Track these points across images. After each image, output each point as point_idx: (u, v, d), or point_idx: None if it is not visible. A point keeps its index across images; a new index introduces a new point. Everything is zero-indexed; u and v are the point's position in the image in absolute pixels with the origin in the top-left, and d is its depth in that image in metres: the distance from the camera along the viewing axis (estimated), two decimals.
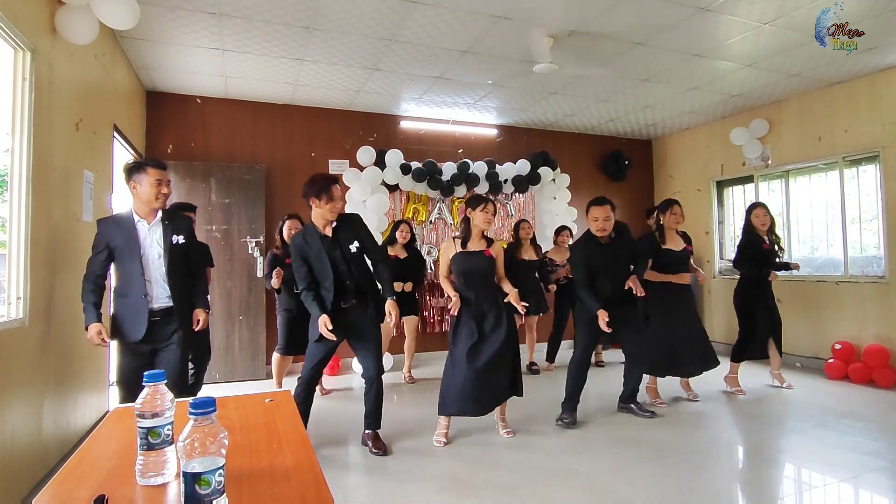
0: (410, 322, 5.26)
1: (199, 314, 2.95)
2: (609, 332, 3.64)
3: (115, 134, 4.27)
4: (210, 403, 0.97)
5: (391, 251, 5.12)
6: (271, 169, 5.78)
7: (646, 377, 4.33)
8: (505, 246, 5.93)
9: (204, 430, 0.95)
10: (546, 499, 2.68)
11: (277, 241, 4.63)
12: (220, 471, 0.95)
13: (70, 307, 3.25)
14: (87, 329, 2.69)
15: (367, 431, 3.39)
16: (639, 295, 3.73)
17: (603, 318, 3.59)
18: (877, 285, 5.14)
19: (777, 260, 4.64)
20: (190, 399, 1.02)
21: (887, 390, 4.70)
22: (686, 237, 4.43)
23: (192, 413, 0.96)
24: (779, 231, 6.13)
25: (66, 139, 3.20)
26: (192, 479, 0.93)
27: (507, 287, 3.54)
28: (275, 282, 4.29)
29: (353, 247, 3.25)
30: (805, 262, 6.02)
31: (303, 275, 3.20)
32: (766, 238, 4.59)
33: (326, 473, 1.17)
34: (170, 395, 1.18)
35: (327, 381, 5.13)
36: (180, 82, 5.20)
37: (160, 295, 2.78)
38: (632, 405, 4.05)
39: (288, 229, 4.50)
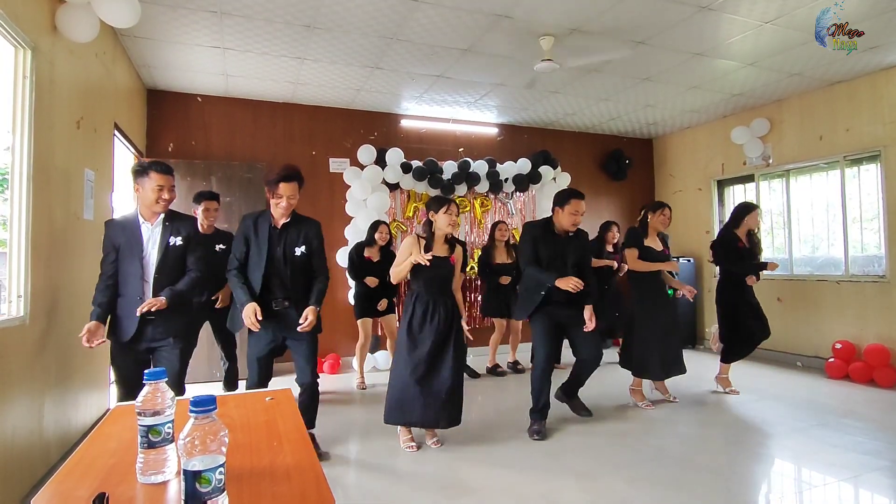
0: (390, 321, 5.17)
1: (152, 300, 2.70)
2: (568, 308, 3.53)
3: (116, 132, 4.27)
4: (210, 401, 0.97)
5: (367, 252, 4.99)
6: (272, 168, 5.77)
7: (632, 379, 4.32)
8: (478, 253, 5.93)
9: (204, 429, 0.95)
10: (545, 498, 2.68)
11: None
12: (221, 469, 0.95)
13: (71, 305, 3.25)
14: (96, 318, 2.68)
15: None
16: (588, 328, 3.59)
17: (569, 282, 3.37)
18: (877, 285, 5.14)
19: (755, 261, 4.51)
20: (190, 397, 1.02)
21: (888, 390, 4.70)
22: (665, 242, 4.40)
23: (192, 411, 0.96)
24: (780, 230, 6.17)
25: (67, 138, 3.20)
26: (192, 478, 0.93)
27: (458, 298, 3.45)
28: None
29: (299, 251, 3.10)
30: (806, 262, 6.02)
31: (238, 254, 3.06)
32: (743, 238, 4.51)
33: (326, 472, 1.17)
34: (170, 394, 1.18)
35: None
36: (181, 81, 5.20)
37: (161, 295, 2.75)
38: (574, 401, 3.98)
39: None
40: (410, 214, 6.35)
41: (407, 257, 3.28)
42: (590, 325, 3.59)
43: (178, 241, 2.83)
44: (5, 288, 2.66)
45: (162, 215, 2.82)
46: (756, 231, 4.62)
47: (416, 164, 6.15)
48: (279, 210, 3.04)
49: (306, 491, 1.09)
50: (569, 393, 3.98)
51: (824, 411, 4.09)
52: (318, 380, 3.25)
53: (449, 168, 6.28)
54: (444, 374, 3.28)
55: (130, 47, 4.40)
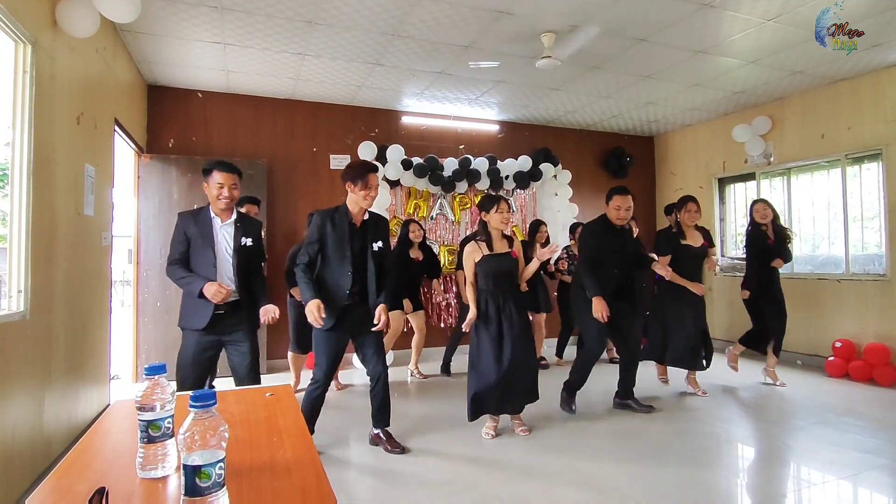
0: (417, 318, 5.22)
1: (272, 310, 2.93)
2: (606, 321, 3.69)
3: (116, 128, 4.26)
4: (210, 396, 0.97)
5: (411, 253, 5.07)
6: (273, 164, 5.78)
7: (651, 376, 4.43)
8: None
9: (204, 424, 0.95)
10: (547, 493, 2.68)
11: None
12: (221, 464, 0.95)
13: (71, 301, 3.26)
14: (201, 293, 2.75)
15: (375, 431, 3.33)
16: (666, 276, 3.96)
17: (599, 304, 3.65)
18: (878, 283, 5.13)
19: (785, 251, 4.68)
20: (190, 392, 1.02)
21: (888, 388, 4.70)
22: (707, 234, 4.46)
23: (192, 406, 0.96)
24: None
25: (67, 133, 3.19)
26: (192, 472, 0.93)
27: (523, 287, 3.64)
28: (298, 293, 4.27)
29: (377, 246, 3.18)
30: (806, 260, 6.02)
31: (310, 250, 3.08)
32: (769, 234, 4.61)
33: (326, 468, 1.17)
34: (170, 388, 1.18)
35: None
36: (182, 76, 5.19)
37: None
38: (629, 401, 4.06)
39: None
40: (411, 211, 6.34)
41: (472, 265, 3.49)
42: (665, 273, 3.94)
43: (249, 241, 2.97)
44: (5, 283, 2.67)
45: (234, 216, 2.94)
46: (777, 220, 4.72)
47: (416, 160, 6.15)
48: (367, 200, 3.09)
49: (306, 486, 1.09)
50: (624, 395, 4.08)
51: (824, 409, 4.10)
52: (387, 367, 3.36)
53: (450, 165, 6.28)
54: (526, 363, 3.45)
55: (131, 43, 4.39)
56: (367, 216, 3.20)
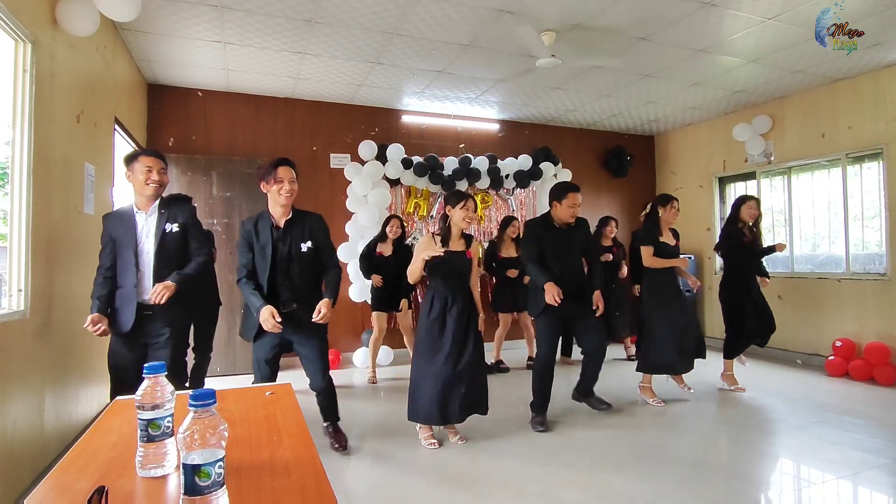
0: (405, 317, 5.20)
1: (158, 287, 2.62)
2: (562, 306, 3.50)
3: (116, 127, 4.26)
4: (210, 395, 0.97)
5: (379, 248, 5.02)
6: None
7: (640, 376, 4.33)
8: (483, 247, 5.96)
9: (204, 423, 0.95)
10: (545, 494, 2.69)
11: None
12: (220, 463, 0.95)
13: (71, 299, 3.26)
14: (92, 320, 2.64)
15: (325, 424, 3.26)
16: (598, 312, 3.69)
17: (551, 290, 3.43)
18: (878, 283, 5.13)
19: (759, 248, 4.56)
20: (190, 391, 1.02)
21: (888, 388, 4.70)
22: (675, 233, 4.41)
23: (192, 405, 0.96)
24: (781, 228, 6.16)
25: (67, 132, 3.19)
26: (191, 471, 0.93)
27: (476, 293, 3.47)
28: None
29: (305, 246, 3.01)
30: (807, 259, 6.01)
31: (245, 262, 2.97)
32: (747, 232, 4.53)
33: (326, 467, 1.17)
34: (170, 387, 1.18)
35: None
36: (182, 75, 5.19)
37: (150, 286, 2.69)
38: (590, 398, 3.97)
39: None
40: (411, 210, 6.34)
41: (422, 252, 3.28)
42: (600, 307, 3.67)
43: (175, 227, 2.76)
44: (5, 282, 2.66)
45: (156, 203, 2.76)
46: (758, 222, 4.62)
47: (416, 159, 6.14)
48: (282, 198, 2.91)
49: (306, 485, 1.09)
50: (584, 391, 3.99)
51: (824, 409, 4.10)
52: (331, 378, 3.22)
53: (450, 164, 6.28)
54: (467, 367, 3.27)
55: (131, 41, 4.39)
56: (291, 215, 3.02)
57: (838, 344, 5.22)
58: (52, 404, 2.98)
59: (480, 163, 6.36)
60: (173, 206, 2.82)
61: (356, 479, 2.97)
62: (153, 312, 2.69)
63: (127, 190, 4.77)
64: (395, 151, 6.04)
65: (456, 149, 6.58)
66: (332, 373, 3.23)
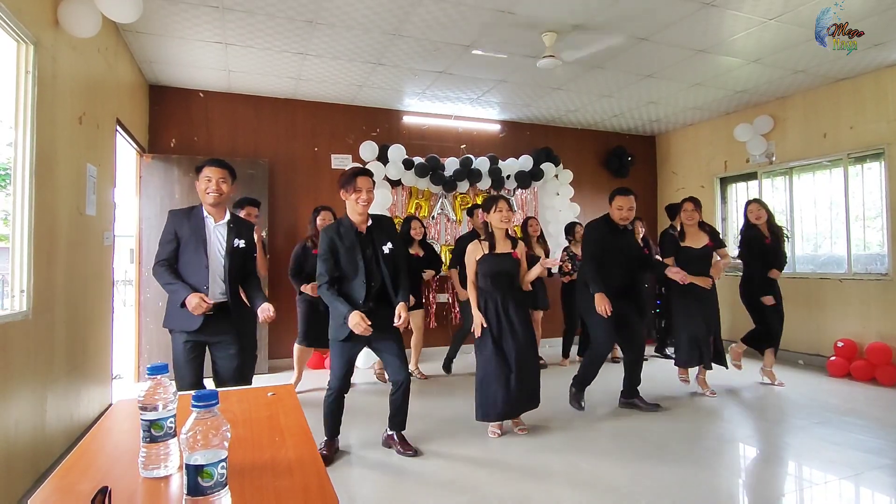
0: (417, 317, 5.21)
1: (267, 308, 2.85)
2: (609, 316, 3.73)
3: (118, 128, 4.27)
4: (212, 396, 0.98)
5: (411, 251, 5.06)
6: (274, 164, 5.78)
7: (692, 370, 4.50)
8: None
9: (206, 423, 0.95)
10: (549, 493, 2.68)
11: (310, 232, 4.60)
12: (223, 463, 0.95)
13: (73, 300, 3.26)
14: (183, 304, 2.64)
15: (390, 433, 3.30)
16: (680, 281, 3.96)
17: (601, 300, 3.70)
18: (880, 283, 5.12)
19: (779, 254, 4.68)
20: (192, 392, 1.03)
21: (889, 388, 4.69)
22: (713, 234, 4.43)
23: (194, 406, 0.96)
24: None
25: (69, 133, 3.20)
26: (194, 472, 0.93)
27: (526, 288, 3.64)
28: (311, 290, 4.29)
29: (387, 248, 3.14)
30: (808, 260, 6.01)
31: (327, 268, 3.05)
32: (766, 233, 4.61)
33: (328, 468, 1.17)
34: (172, 388, 1.18)
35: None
36: (183, 76, 5.20)
37: (216, 291, 2.79)
38: (635, 400, 4.07)
39: (321, 220, 4.52)
40: (412, 210, 6.34)
41: (473, 263, 3.51)
42: (679, 277, 3.95)
43: (242, 243, 2.90)
44: (8, 283, 2.67)
45: (227, 217, 2.89)
46: (772, 220, 4.71)
47: (418, 160, 6.15)
48: (359, 207, 3.04)
49: (308, 486, 1.09)
50: (629, 394, 4.10)
51: (826, 409, 4.09)
52: (409, 374, 3.29)
53: (451, 165, 6.28)
54: (529, 364, 3.48)
55: (133, 42, 4.40)
56: (370, 221, 3.17)
57: (840, 344, 5.21)
58: (54, 405, 2.98)
59: (481, 163, 6.36)
60: (240, 224, 2.98)
61: (358, 479, 2.97)
62: (214, 313, 2.74)
63: (132, 194, 4.79)
64: (397, 152, 6.04)
65: (457, 149, 6.58)
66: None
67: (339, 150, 6.07)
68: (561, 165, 6.87)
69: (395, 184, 6.18)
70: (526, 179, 6.59)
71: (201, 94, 5.57)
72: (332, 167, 6.01)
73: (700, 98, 6.02)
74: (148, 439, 1.13)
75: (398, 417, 3.25)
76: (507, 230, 3.56)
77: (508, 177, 6.55)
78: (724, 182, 6.95)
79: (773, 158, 6.15)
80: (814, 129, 5.75)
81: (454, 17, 3.98)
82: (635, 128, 7.37)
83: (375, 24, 4.10)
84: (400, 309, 3.06)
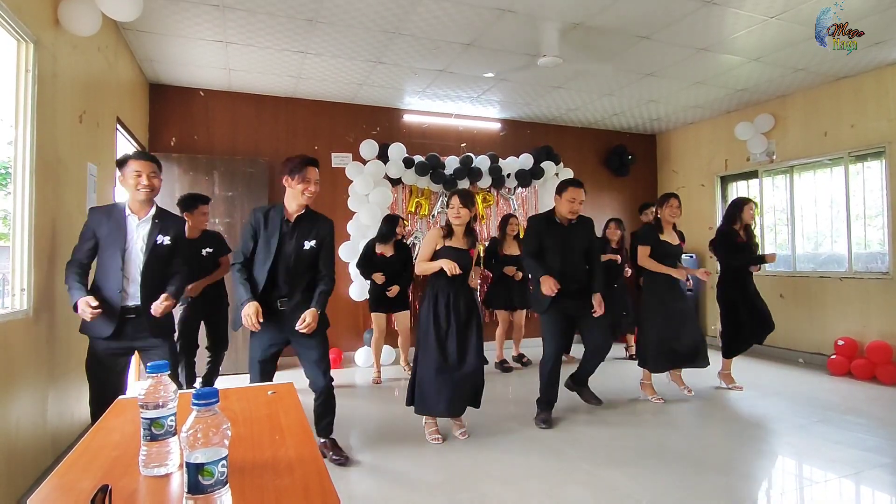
0: (403, 318, 5.22)
1: (158, 302, 2.63)
2: (557, 296, 3.51)
3: (119, 126, 4.27)
4: (213, 394, 0.98)
5: (378, 249, 5.00)
6: (274, 162, 5.76)
7: (641, 372, 4.36)
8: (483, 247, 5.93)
9: (207, 421, 0.95)
10: (548, 493, 2.69)
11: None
12: (223, 462, 0.95)
13: None
14: (74, 307, 2.50)
15: (322, 440, 3.11)
16: (597, 314, 3.65)
17: (547, 282, 3.46)
18: (881, 281, 5.12)
19: (753, 254, 4.59)
20: (193, 390, 1.02)
21: (890, 387, 4.69)
22: (680, 234, 4.42)
23: (195, 404, 0.96)
24: (783, 227, 6.16)
25: (70, 131, 3.20)
26: (195, 470, 0.93)
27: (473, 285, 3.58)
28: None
29: (309, 244, 2.95)
30: (809, 258, 6.00)
31: (245, 249, 2.91)
32: (741, 233, 4.56)
33: (328, 466, 1.17)
34: (173, 387, 1.18)
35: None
36: (183, 75, 5.20)
37: (135, 292, 2.64)
38: (583, 389, 4.00)
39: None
40: (413, 209, 6.34)
41: (432, 250, 3.40)
42: (598, 310, 3.64)
43: (167, 240, 2.73)
44: (8, 282, 2.67)
45: (152, 212, 2.72)
46: (753, 225, 4.66)
47: (418, 159, 6.14)
48: (304, 198, 2.91)
49: (309, 484, 1.09)
50: (578, 381, 4.01)
51: (826, 408, 4.09)
52: (333, 381, 3.09)
53: (451, 163, 6.28)
54: (470, 362, 3.36)
55: (133, 41, 4.39)
56: (304, 212, 3.00)
57: (840, 343, 5.21)
58: (54, 403, 2.98)
59: (482, 162, 6.35)
60: (167, 218, 2.78)
61: (359, 478, 2.97)
62: (135, 316, 2.63)
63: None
64: (397, 151, 6.04)
65: (457, 148, 6.58)
66: (333, 372, 3.20)
67: (340, 148, 6.07)
68: (561, 164, 6.87)
69: (396, 182, 6.18)
70: (526, 178, 6.58)
71: (201, 93, 5.57)
72: (333, 166, 6.01)
73: (701, 96, 6.02)
74: (148, 437, 1.13)
75: (323, 422, 3.08)
76: (463, 227, 3.43)
77: (509, 175, 6.55)
78: (725, 181, 6.95)
79: (774, 157, 6.14)
80: (814, 128, 5.74)
81: (454, 15, 3.97)
82: (636, 126, 7.36)
83: (375, 23, 4.10)
84: (307, 313, 2.85)
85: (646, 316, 4.30)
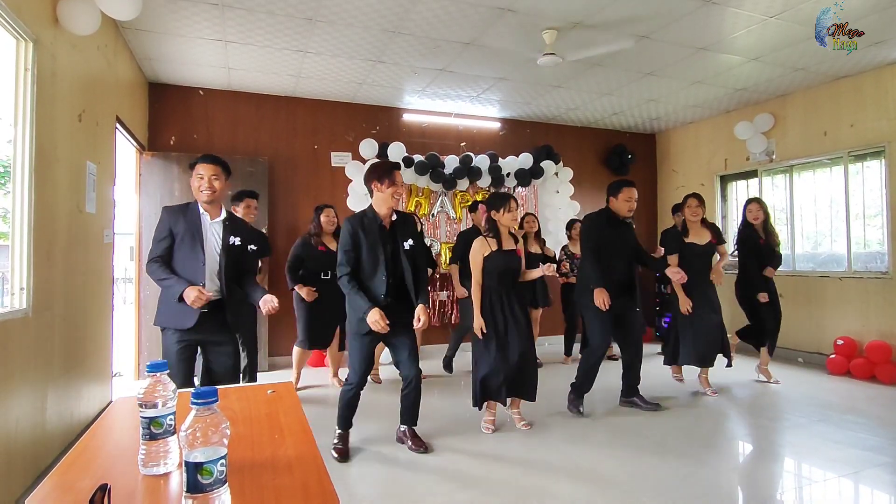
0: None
1: (270, 300, 2.79)
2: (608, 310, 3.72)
3: (118, 125, 4.27)
4: (212, 393, 0.98)
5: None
6: (274, 161, 5.78)
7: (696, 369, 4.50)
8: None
9: (206, 421, 0.95)
10: (548, 490, 2.69)
11: (312, 230, 4.59)
12: (223, 461, 0.95)
13: (73, 298, 3.26)
14: (181, 298, 2.57)
15: (402, 428, 3.32)
16: (678, 280, 3.96)
17: (601, 297, 3.68)
18: (880, 281, 5.12)
19: (774, 254, 4.69)
20: (193, 389, 1.02)
21: (889, 386, 4.70)
22: (715, 231, 4.44)
23: (194, 403, 0.96)
24: (782, 226, 6.15)
25: (69, 130, 3.19)
26: (194, 469, 0.93)
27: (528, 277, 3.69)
28: (306, 294, 4.37)
29: (408, 244, 3.13)
30: (808, 258, 6.01)
31: (348, 259, 3.03)
32: (761, 234, 4.62)
33: (328, 465, 1.17)
34: (172, 386, 1.18)
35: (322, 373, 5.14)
36: (183, 74, 5.19)
37: (212, 289, 2.73)
38: (634, 399, 4.06)
39: (325, 217, 4.57)
40: (412, 209, 6.34)
41: (481, 259, 3.48)
42: (677, 277, 3.94)
43: (238, 241, 2.85)
44: (8, 281, 2.67)
45: (224, 214, 2.84)
46: (768, 221, 4.73)
47: (418, 158, 6.14)
48: (394, 201, 3.07)
49: (308, 483, 1.09)
50: (629, 392, 4.09)
51: (825, 407, 4.09)
52: (421, 370, 3.30)
53: (451, 162, 6.28)
54: (529, 357, 3.51)
55: (132, 40, 4.39)
56: (394, 216, 3.15)
57: (840, 342, 5.22)
58: (54, 402, 2.98)
59: (481, 161, 6.35)
60: (235, 221, 2.92)
61: (358, 477, 2.97)
62: (209, 311, 2.69)
63: (131, 192, 4.77)
64: (397, 150, 6.03)
65: (457, 147, 6.58)
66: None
67: (339, 147, 6.07)
68: (561, 163, 6.87)
69: None
70: (526, 177, 6.58)
71: (201, 92, 5.56)
72: (332, 165, 6.01)
73: (700, 96, 6.02)
74: (147, 437, 1.13)
75: (410, 413, 3.27)
76: (510, 229, 3.59)
77: (508, 174, 6.55)
78: (725, 180, 6.95)
79: (774, 156, 6.14)
80: (814, 127, 5.74)
81: (454, 14, 3.97)
82: (636, 126, 7.36)
83: (375, 22, 4.09)
84: (419, 311, 3.08)
85: (675, 316, 4.46)
